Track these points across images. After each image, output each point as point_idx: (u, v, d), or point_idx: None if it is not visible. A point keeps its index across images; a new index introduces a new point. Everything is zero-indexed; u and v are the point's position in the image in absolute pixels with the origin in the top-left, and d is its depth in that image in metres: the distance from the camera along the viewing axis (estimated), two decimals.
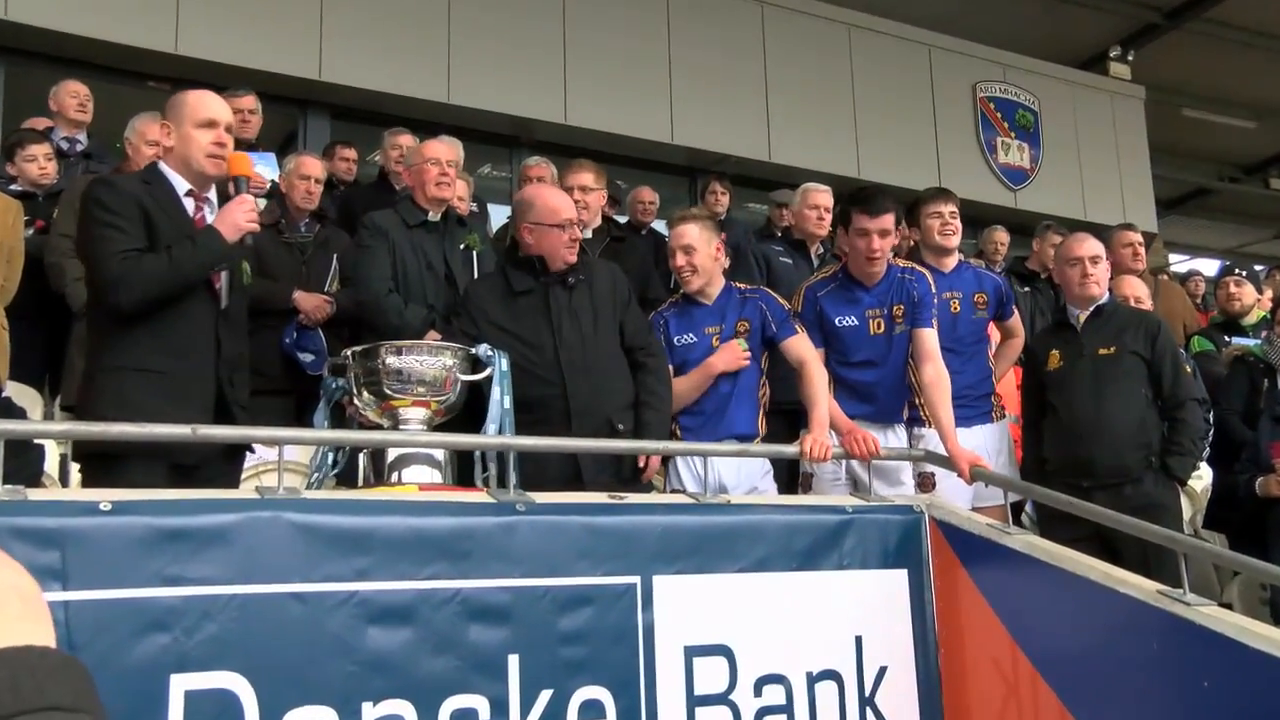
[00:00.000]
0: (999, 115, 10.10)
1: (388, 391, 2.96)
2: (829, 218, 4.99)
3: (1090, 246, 4.06)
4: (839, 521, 3.02)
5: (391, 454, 2.87)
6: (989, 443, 3.96)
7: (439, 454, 2.90)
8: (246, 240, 2.98)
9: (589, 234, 4.36)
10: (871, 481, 3.34)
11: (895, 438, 3.79)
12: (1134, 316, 4.10)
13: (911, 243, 4.50)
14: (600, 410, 3.26)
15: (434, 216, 3.93)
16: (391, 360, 2.96)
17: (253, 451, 3.17)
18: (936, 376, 3.64)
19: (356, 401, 3.04)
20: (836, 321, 3.76)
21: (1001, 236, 7.07)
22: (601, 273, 3.52)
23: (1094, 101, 10.63)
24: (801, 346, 3.64)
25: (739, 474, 3.61)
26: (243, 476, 3.15)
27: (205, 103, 3.03)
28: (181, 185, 2.99)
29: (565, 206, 3.44)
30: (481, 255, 3.97)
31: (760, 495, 3.53)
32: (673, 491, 3.54)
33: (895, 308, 3.77)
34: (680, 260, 3.70)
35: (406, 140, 5.56)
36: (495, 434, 2.96)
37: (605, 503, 2.79)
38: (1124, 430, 3.83)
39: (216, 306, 2.96)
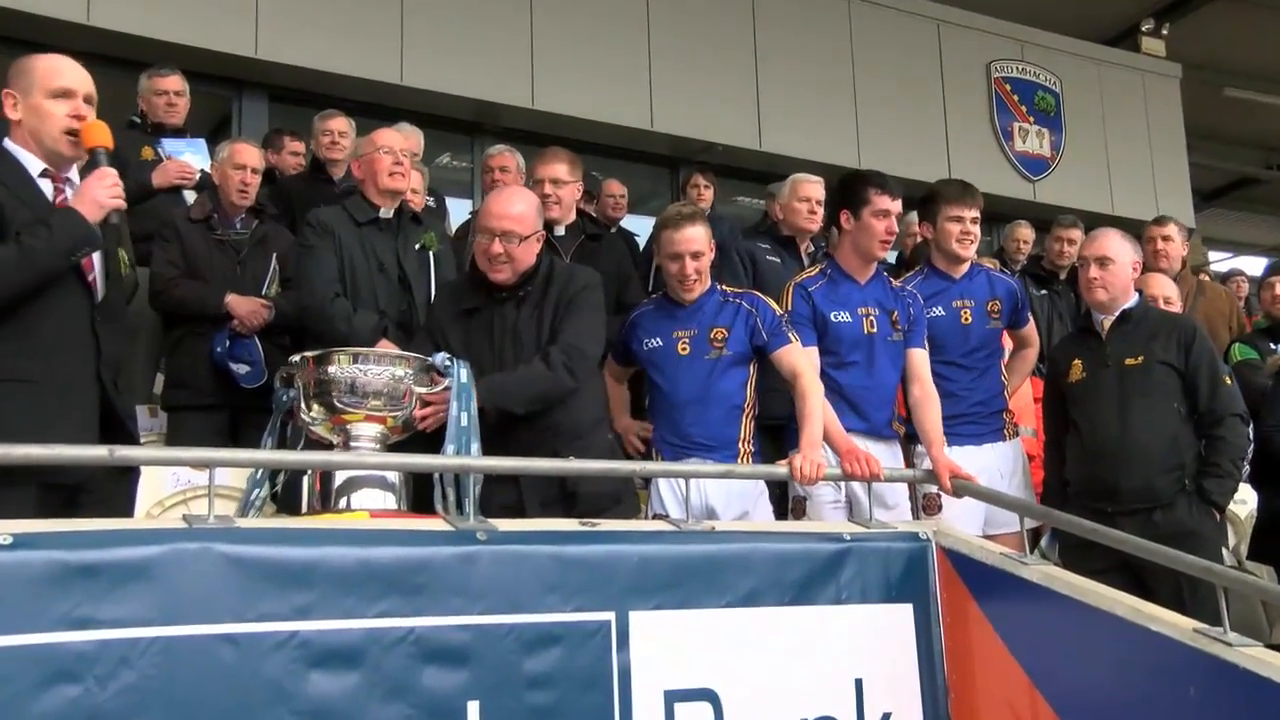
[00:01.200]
0: (1016, 98, 10.18)
1: (339, 404, 2.98)
2: (821, 211, 5.04)
3: (1099, 245, 4.09)
4: (836, 550, 3.04)
5: (339, 477, 2.90)
6: (1001, 463, 4.04)
7: (392, 477, 2.93)
8: (112, 219, 2.87)
9: (561, 232, 4.38)
10: (871, 506, 3.39)
11: (890, 454, 3.84)
12: (1166, 321, 4.12)
13: (920, 239, 4.54)
14: (545, 443, 3.28)
15: (386, 213, 3.95)
16: (337, 370, 2.98)
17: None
18: (925, 396, 3.85)
19: (304, 415, 3.05)
20: (832, 317, 3.83)
21: (1025, 233, 7.15)
22: (561, 276, 3.51)
23: (1123, 81, 10.72)
24: (795, 357, 3.69)
25: (727, 497, 3.65)
26: (168, 503, 3.17)
27: (58, 69, 2.91)
28: (34, 165, 2.89)
29: (497, 214, 3.41)
30: (439, 256, 3.99)
31: (750, 522, 3.58)
32: (653, 517, 3.58)
33: (894, 314, 3.89)
34: (689, 268, 3.73)
35: (339, 124, 5.60)
36: (454, 454, 2.99)
37: (576, 530, 2.81)
38: (1154, 449, 3.87)
39: (91, 300, 2.88)
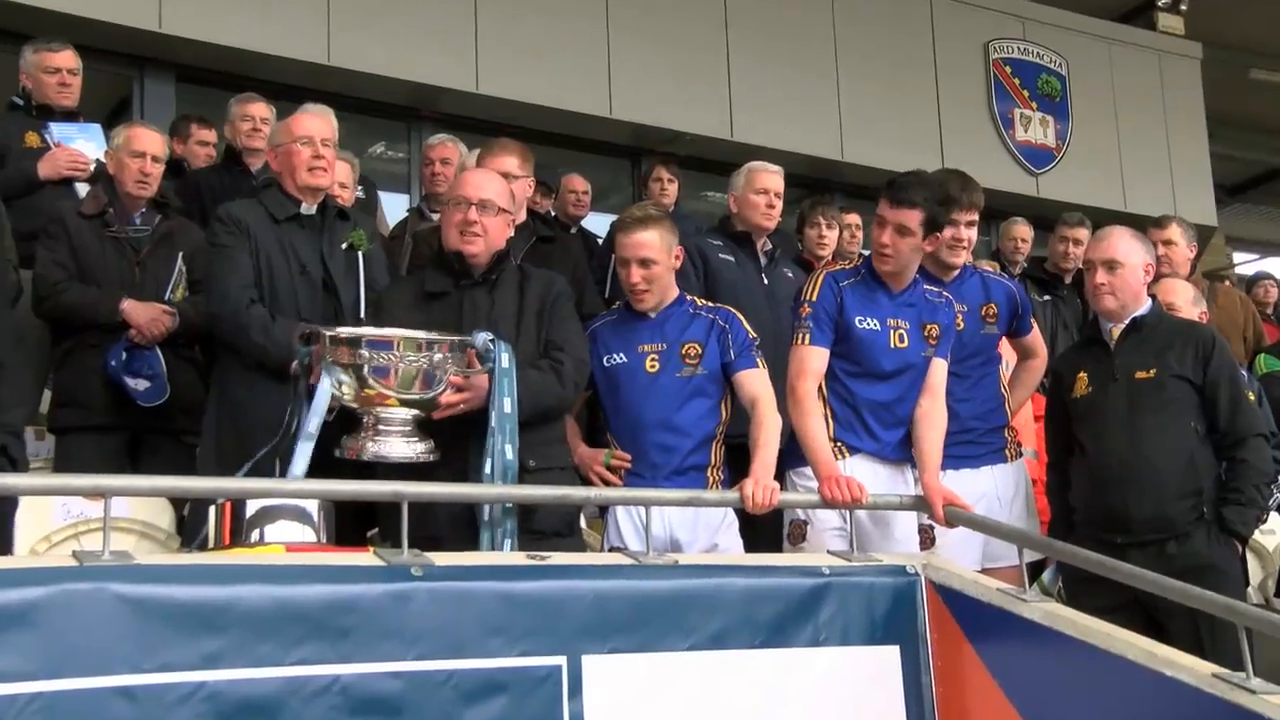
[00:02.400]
0: (1017, 81, 10.29)
1: (370, 383, 3.15)
2: (779, 205, 5.05)
3: (1106, 247, 4.11)
4: (814, 586, 3.07)
5: (251, 506, 2.90)
6: (1001, 487, 4.09)
7: (312, 505, 2.94)
8: None
9: (510, 232, 4.40)
10: (863, 538, 3.44)
11: (896, 480, 3.87)
12: (1181, 330, 4.14)
13: None
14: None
15: (308, 209, 3.95)
16: (369, 354, 3.14)
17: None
18: (933, 411, 3.86)
19: (329, 382, 3.16)
20: (857, 322, 3.85)
21: (1022, 231, 7.25)
22: (539, 277, 3.69)
23: (1137, 63, 10.87)
24: (758, 382, 3.77)
25: (693, 527, 3.69)
26: (56, 538, 3.15)
27: None
28: None
29: (474, 184, 3.60)
30: (369, 256, 4.00)
31: (718, 554, 3.61)
32: (610, 550, 3.61)
33: (929, 326, 3.91)
34: (635, 275, 3.78)
35: (259, 110, 5.58)
36: (499, 446, 3.21)
37: (523, 565, 2.84)
38: (1167, 473, 3.89)
39: None
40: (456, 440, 3.35)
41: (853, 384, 3.85)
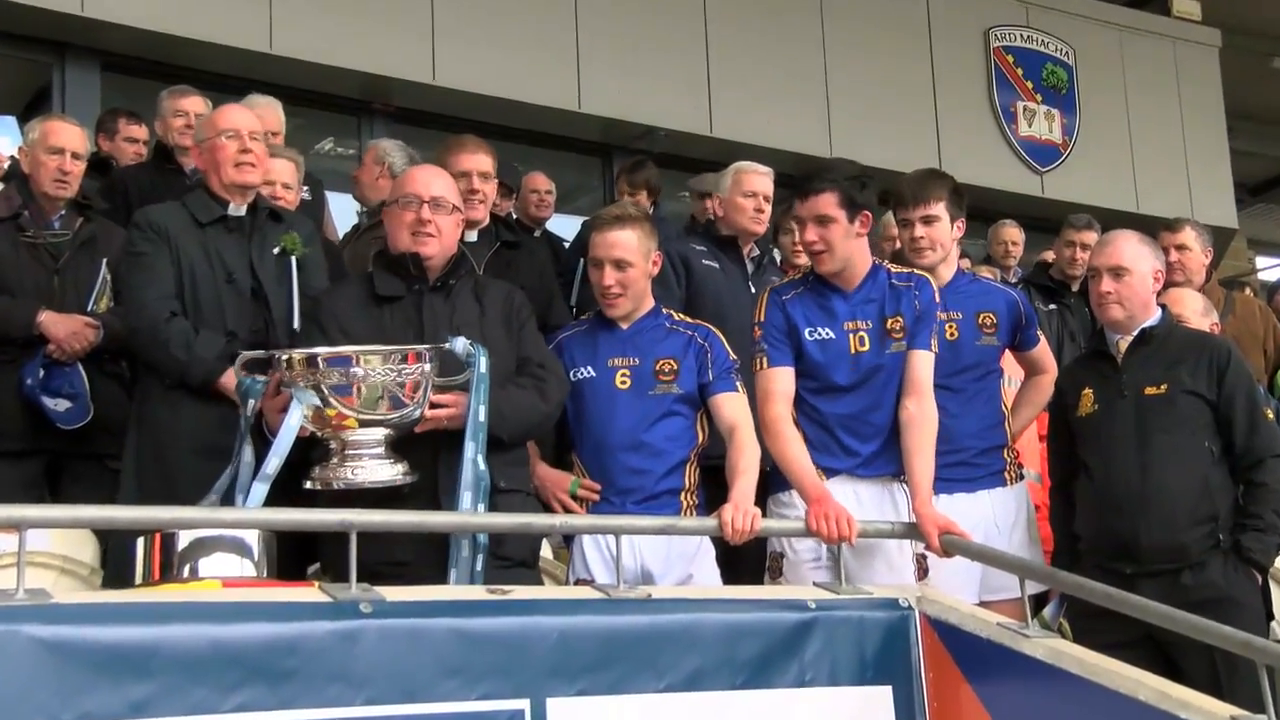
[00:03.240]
0: (1020, 72, 10.36)
1: (333, 403, 3.14)
2: (769, 209, 5.10)
3: (1111, 253, 4.13)
4: (799, 621, 3.08)
5: (183, 538, 2.89)
6: (1000, 513, 4.09)
7: (251, 536, 2.94)
8: None
9: (473, 237, 4.41)
10: (847, 567, 3.43)
11: (884, 500, 3.87)
12: (1194, 342, 4.18)
13: (897, 245, 4.62)
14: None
15: (236, 210, 3.96)
16: (330, 371, 3.14)
17: None
18: (919, 414, 3.81)
19: (302, 407, 3.14)
20: (807, 335, 3.88)
21: (1012, 234, 7.29)
22: (495, 285, 3.77)
23: (1150, 51, 10.97)
24: (737, 408, 3.79)
25: (667, 558, 3.71)
26: None
27: None
28: None
29: (424, 181, 3.65)
30: (304, 261, 4.00)
31: (695, 587, 3.62)
32: (577, 583, 3.62)
33: (890, 320, 3.89)
34: (609, 278, 3.80)
35: (194, 104, 5.55)
36: (472, 455, 3.25)
37: (482, 600, 2.84)
38: (1180, 497, 3.90)
39: None
40: (421, 458, 3.38)
41: (817, 401, 3.88)
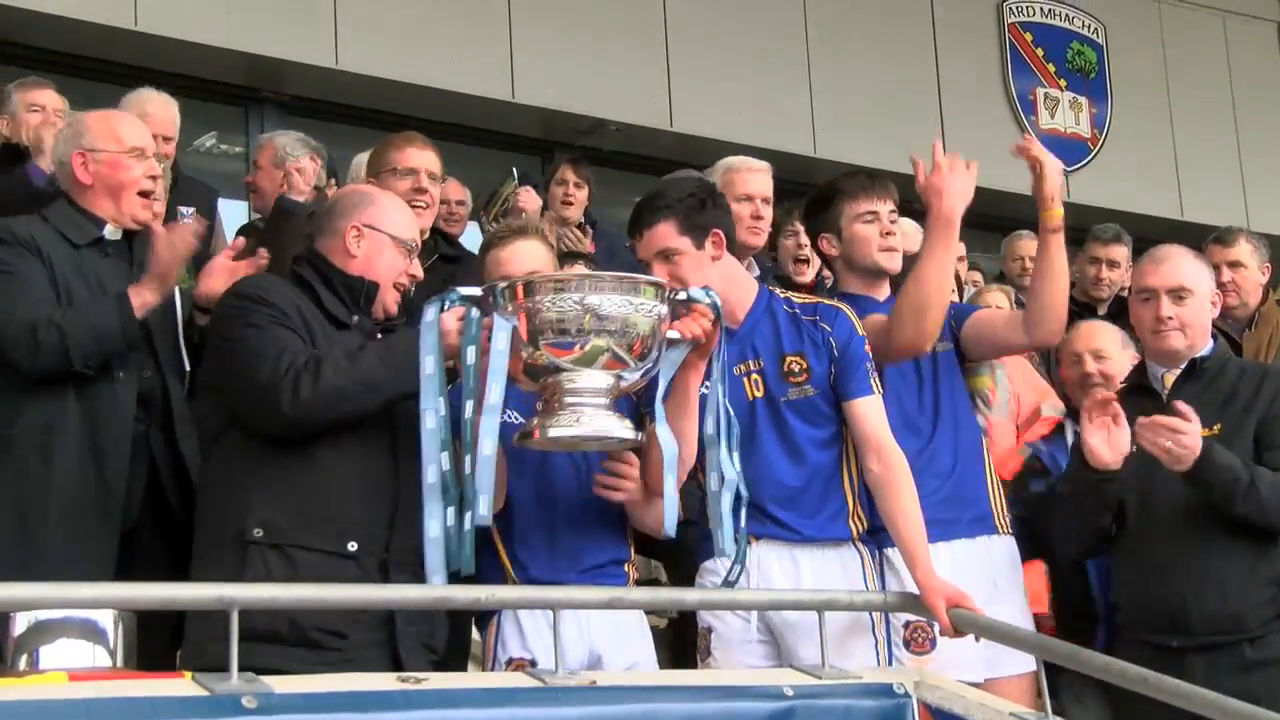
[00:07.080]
0: (1041, 53, 10.42)
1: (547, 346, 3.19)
2: (769, 214, 5.02)
3: (1170, 272, 4.11)
4: (774, 712, 3.04)
5: (19, 621, 2.84)
6: (978, 568, 3.96)
7: (106, 617, 2.90)
8: None
9: None
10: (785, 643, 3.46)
11: (842, 567, 3.81)
12: (1252, 375, 4.20)
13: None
14: None
15: (114, 233, 3.97)
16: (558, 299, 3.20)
17: None
18: (887, 474, 3.71)
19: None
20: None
21: (1029, 247, 7.20)
22: None
23: (1196, 28, 11.10)
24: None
25: (614, 635, 3.67)
26: None
27: None
28: None
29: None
30: (188, 291, 4.01)
31: (648, 673, 3.61)
32: (507, 665, 3.63)
33: (790, 360, 3.82)
34: None
35: (48, 98, 5.57)
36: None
37: (390, 690, 2.77)
38: (1236, 557, 3.93)
39: None
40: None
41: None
